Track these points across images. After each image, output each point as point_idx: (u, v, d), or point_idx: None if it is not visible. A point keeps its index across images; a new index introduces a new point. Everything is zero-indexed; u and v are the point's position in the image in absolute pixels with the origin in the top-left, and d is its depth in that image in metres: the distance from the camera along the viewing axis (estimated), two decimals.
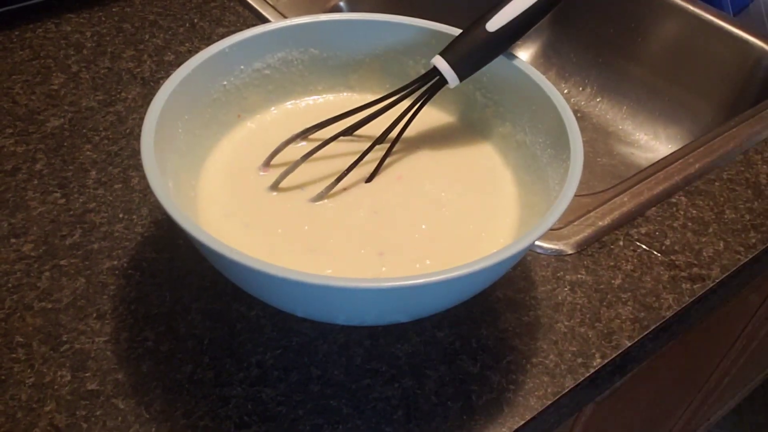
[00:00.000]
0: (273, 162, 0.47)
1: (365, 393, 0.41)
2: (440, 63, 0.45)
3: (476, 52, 0.45)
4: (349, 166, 0.45)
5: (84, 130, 0.56)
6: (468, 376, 0.42)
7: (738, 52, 0.74)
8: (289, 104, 0.52)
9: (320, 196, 0.45)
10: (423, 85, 0.46)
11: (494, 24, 0.44)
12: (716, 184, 0.57)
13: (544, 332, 0.45)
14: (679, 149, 0.60)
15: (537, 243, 0.50)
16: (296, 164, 0.45)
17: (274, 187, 0.45)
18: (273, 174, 0.46)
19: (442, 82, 0.46)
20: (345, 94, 0.53)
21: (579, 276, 0.48)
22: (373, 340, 0.44)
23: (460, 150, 0.50)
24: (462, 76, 0.46)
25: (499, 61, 0.46)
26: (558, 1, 0.45)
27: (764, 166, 0.59)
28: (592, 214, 0.53)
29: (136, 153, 0.54)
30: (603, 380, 0.45)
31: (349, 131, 0.48)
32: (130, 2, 0.70)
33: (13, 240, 0.47)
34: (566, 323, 0.46)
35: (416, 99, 0.47)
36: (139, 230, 0.49)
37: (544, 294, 0.47)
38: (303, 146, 0.47)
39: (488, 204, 0.46)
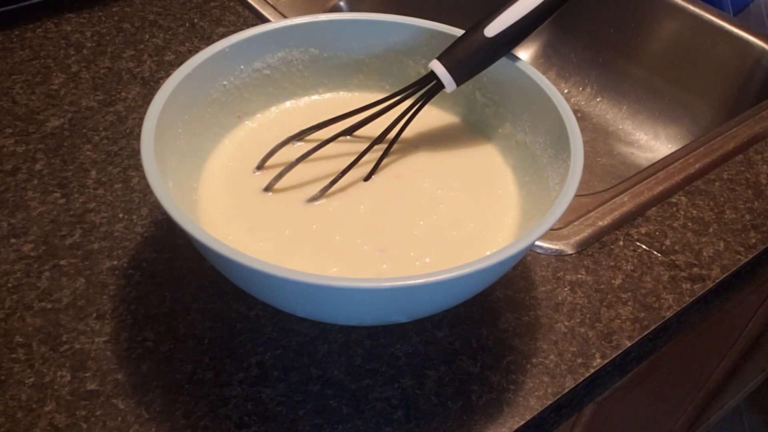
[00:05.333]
0: (273, 163, 0.47)
1: (365, 393, 0.41)
2: (437, 67, 0.45)
3: (474, 57, 0.45)
4: (347, 167, 0.45)
5: (84, 130, 0.56)
6: (468, 376, 0.42)
7: (738, 52, 0.74)
8: (288, 104, 0.52)
9: (318, 196, 0.45)
10: (421, 89, 0.46)
11: (492, 29, 0.44)
12: (716, 184, 0.57)
13: (544, 332, 0.45)
14: (679, 149, 0.60)
15: (537, 243, 0.50)
16: (291, 166, 0.45)
17: (270, 188, 0.45)
18: (271, 175, 0.46)
19: (440, 86, 0.46)
20: (345, 93, 0.53)
21: (579, 276, 0.48)
22: (373, 340, 0.44)
23: (460, 149, 0.50)
24: (459, 81, 0.46)
25: (499, 61, 0.46)
26: (557, 8, 0.45)
27: (764, 166, 0.59)
28: (592, 214, 0.53)
29: (136, 153, 0.54)
30: (603, 380, 0.45)
31: (346, 133, 0.48)
32: (130, 2, 0.70)
33: (13, 240, 0.47)
34: (566, 323, 0.46)
35: (414, 102, 0.47)
36: (139, 230, 0.49)
37: (544, 294, 0.47)
38: (301, 146, 0.47)
39: (488, 203, 0.46)
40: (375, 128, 0.47)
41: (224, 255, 0.34)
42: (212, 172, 0.46)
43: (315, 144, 0.46)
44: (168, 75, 0.44)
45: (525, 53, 0.89)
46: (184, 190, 0.43)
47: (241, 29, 0.49)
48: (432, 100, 0.47)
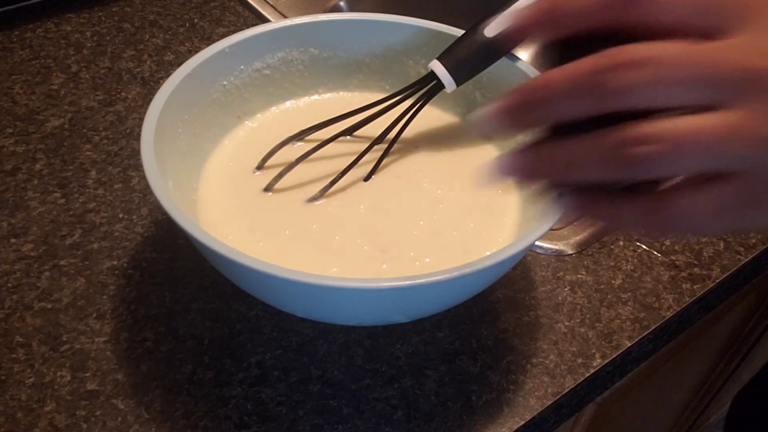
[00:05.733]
0: (273, 163, 0.47)
1: (365, 393, 0.41)
2: (438, 67, 0.45)
3: (474, 58, 0.45)
4: (347, 167, 0.45)
5: (84, 130, 0.56)
6: (468, 376, 0.42)
7: None
8: (288, 104, 0.52)
9: (318, 196, 0.45)
10: (420, 89, 0.46)
11: (492, 29, 0.44)
12: None
13: (544, 332, 0.45)
14: None
15: (537, 243, 0.50)
16: (291, 166, 0.45)
17: (270, 188, 0.45)
18: (271, 175, 0.46)
19: (440, 86, 0.46)
20: (345, 93, 0.53)
21: (579, 276, 0.48)
22: (373, 340, 0.44)
23: (460, 149, 0.50)
24: (459, 81, 0.46)
25: (499, 61, 0.46)
26: None
27: None
28: None
29: (136, 153, 0.54)
30: (603, 380, 0.45)
31: (346, 133, 0.48)
32: (130, 2, 0.70)
33: (13, 240, 0.47)
34: (566, 323, 0.46)
35: (414, 102, 0.47)
36: (138, 230, 0.49)
37: (544, 294, 0.47)
38: (301, 146, 0.47)
39: (488, 203, 0.46)
40: (375, 128, 0.47)
41: (224, 255, 0.34)
42: (212, 172, 0.46)
43: (315, 144, 0.46)
44: (168, 75, 0.44)
45: (525, 53, 0.89)
46: (184, 190, 0.43)
47: (241, 29, 0.49)
48: (432, 100, 0.47)
